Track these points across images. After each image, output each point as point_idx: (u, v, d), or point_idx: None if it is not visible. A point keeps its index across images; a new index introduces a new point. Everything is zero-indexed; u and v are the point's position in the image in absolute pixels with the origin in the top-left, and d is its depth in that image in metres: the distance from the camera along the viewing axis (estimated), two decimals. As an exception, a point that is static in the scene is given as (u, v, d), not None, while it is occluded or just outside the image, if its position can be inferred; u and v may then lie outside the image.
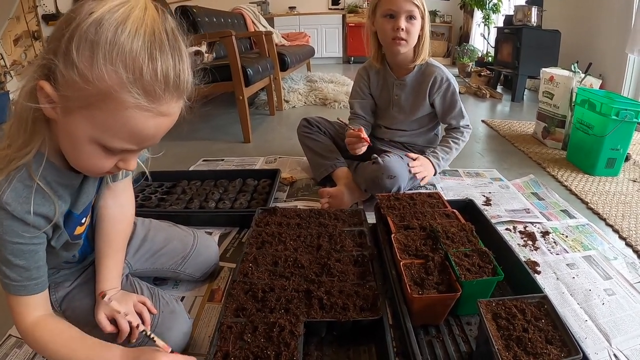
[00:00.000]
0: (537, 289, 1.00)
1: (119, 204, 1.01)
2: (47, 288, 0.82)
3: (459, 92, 1.82)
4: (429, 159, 1.72)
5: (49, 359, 0.83)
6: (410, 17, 1.62)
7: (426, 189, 1.87)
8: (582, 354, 0.76)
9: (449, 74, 1.76)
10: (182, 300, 1.17)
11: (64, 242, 0.86)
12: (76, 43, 0.60)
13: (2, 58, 3.64)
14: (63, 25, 0.62)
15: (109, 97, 0.62)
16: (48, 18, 4.11)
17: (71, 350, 0.78)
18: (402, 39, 1.64)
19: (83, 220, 0.92)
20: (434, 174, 1.73)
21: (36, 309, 0.79)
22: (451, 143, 1.77)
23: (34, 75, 0.65)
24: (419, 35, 1.67)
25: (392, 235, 1.16)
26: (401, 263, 1.04)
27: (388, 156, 1.59)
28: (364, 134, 1.60)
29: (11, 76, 3.67)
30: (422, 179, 1.68)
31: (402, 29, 1.61)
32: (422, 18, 1.64)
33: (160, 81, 0.64)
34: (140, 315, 0.94)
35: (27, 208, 0.71)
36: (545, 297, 0.89)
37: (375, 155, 1.59)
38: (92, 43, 0.60)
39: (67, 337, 0.80)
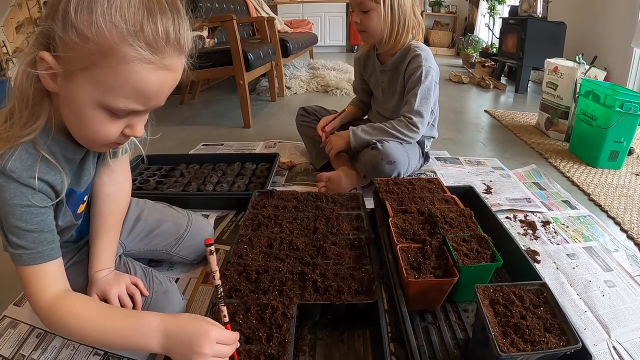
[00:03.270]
0: (536, 277, 0.99)
1: (115, 181, 1.00)
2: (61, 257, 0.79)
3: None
4: (349, 128, 1.71)
5: (72, 338, 0.79)
6: (364, 10, 1.61)
7: (426, 175, 1.85)
8: (581, 343, 0.75)
9: (431, 60, 1.67)
10: (176, 281, 1.16)
11: (68, 221, 0.86)
12: (74, 4, 0.60)
13: (4, 45, 3.63)
14: None
15: (109, 52, 0.62)
16: (50, 5, 4.11)
17: (100, 324, 0.74)
18: (361, 31, 1.69)
19: (85, 199, 0.92)
20: (348, 144, 1.68)
21: (54, 281, 0.76)
22: (382, 124, 1.66)
23: (32, 49, 0.65)
24: (391, 22, 1.61)
25: (390, 219, 1.14)
26: (398, 247, 1.02)
27: (387, 142, 1.57)
28: (326, 125, 1.87)
29: (13, 63, 3.66)
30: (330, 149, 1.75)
31: (357, 22, 1.66)
32: (384, 5, 1.57)
33: (161, 36, 0.64)
34: (132, 297, 0.94)
35: (32, 174, 0.71)
36: (545, 285, 0.87)
37: (375, 141, 1.57)
38: (90, 1, 0.60)
39: (94, 310, 0.76)
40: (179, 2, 0.68)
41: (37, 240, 0.73)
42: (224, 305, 0.75)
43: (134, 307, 0.92)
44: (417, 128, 1.62)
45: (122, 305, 0.90)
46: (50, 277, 0.76)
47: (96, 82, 0.64)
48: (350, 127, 1.68)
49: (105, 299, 0.90)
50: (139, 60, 0.63)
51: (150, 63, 0.64)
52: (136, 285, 0.96)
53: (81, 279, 0.95)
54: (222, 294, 0.73)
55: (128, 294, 0.94)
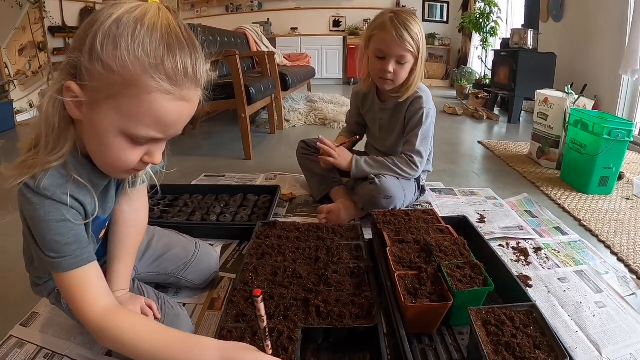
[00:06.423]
0: (527, 300, 1.03)
1: (134, 209, 1.04)
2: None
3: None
4: (353, 155, 1.75)
5: (123, 351, 0.79)
6: (401, 62, 1.65)
7: (422, 206, 1.91)
8: (569, 358, 0.80)
9: (431, 102, 1.76)
10: (184, 306, 1.20)
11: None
12: (100, 39, 0.66)
13: (7, 67, 3.68)
14: (86, 27, 0.69)
15: (132, 83, 0.68)
16: (54, 30, 4.17)
17: (157, 340, 0.77)
18: (389, 79, 1.70)
19: (106, 224, 0.97)
20: (349, 169, 1.73)
21: (103, 291, 0.80)
22: (384, 158, 1.73)
23: (59, 79, 0.71)
24: (410, 73, 1.70)
25: (387, 248, 1.20)
26: (395, 274, 1.07)
27: (385, 177, 1.63)
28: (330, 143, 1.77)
29: (14, 85, 3.71)
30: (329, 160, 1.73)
31: (390, 72, 1.66)
32: (416, 59, 1.67)
33: (180, 69, 0.70)
34: None
35: (64, 191, 0.75)
36: (534, 306, 0.93)
37: (373, 176, 1.64)
38: (115, 37, 0.66)
39: (148, 328, 0.79)
40: (196, 38, 0.75)
41: (77, 245, 0.77)
42: (269, 341, 0.79)
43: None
44: (417, 166, 1.69)
45: None
46: (97, 284, 0.80)
47: (119, 111, 0.70)
48: (354, 156, 1.74)
49: None
50: (159, 91, 0.69)
51: (170, 94, 0.70)
52: (150, 307, 1.01)
53: None
54: (268, 333, 0.78)
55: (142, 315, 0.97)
